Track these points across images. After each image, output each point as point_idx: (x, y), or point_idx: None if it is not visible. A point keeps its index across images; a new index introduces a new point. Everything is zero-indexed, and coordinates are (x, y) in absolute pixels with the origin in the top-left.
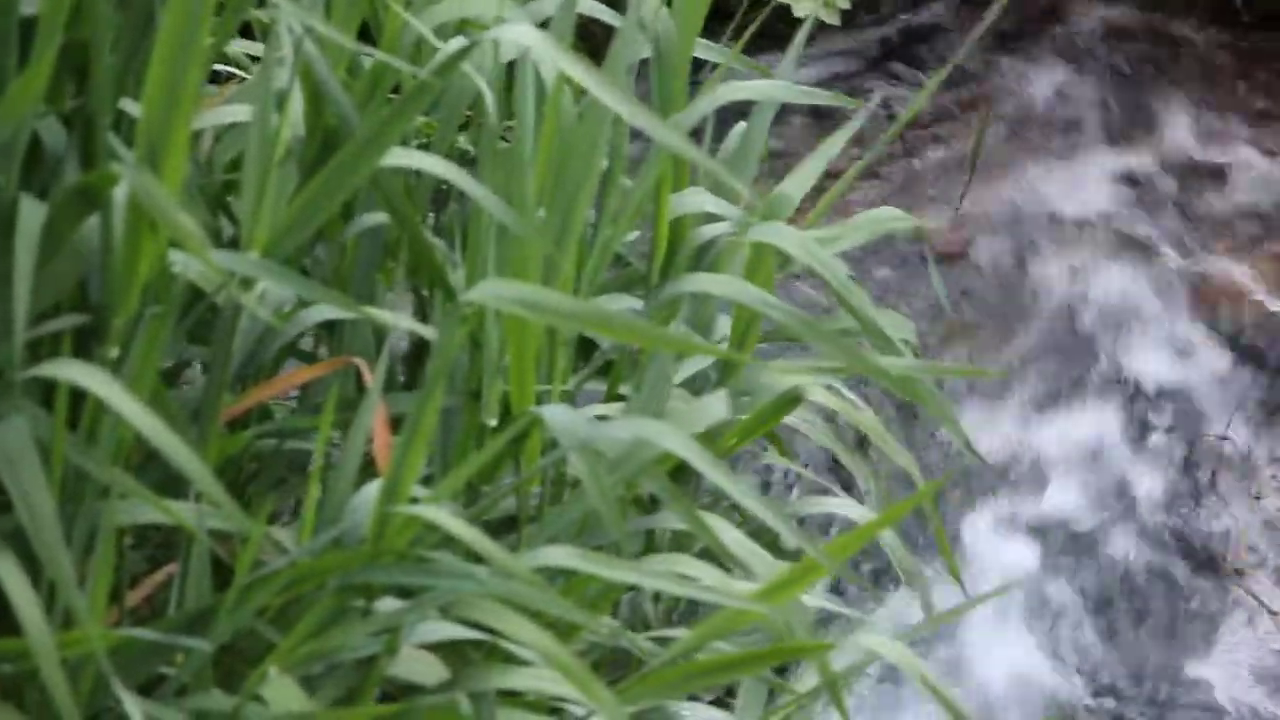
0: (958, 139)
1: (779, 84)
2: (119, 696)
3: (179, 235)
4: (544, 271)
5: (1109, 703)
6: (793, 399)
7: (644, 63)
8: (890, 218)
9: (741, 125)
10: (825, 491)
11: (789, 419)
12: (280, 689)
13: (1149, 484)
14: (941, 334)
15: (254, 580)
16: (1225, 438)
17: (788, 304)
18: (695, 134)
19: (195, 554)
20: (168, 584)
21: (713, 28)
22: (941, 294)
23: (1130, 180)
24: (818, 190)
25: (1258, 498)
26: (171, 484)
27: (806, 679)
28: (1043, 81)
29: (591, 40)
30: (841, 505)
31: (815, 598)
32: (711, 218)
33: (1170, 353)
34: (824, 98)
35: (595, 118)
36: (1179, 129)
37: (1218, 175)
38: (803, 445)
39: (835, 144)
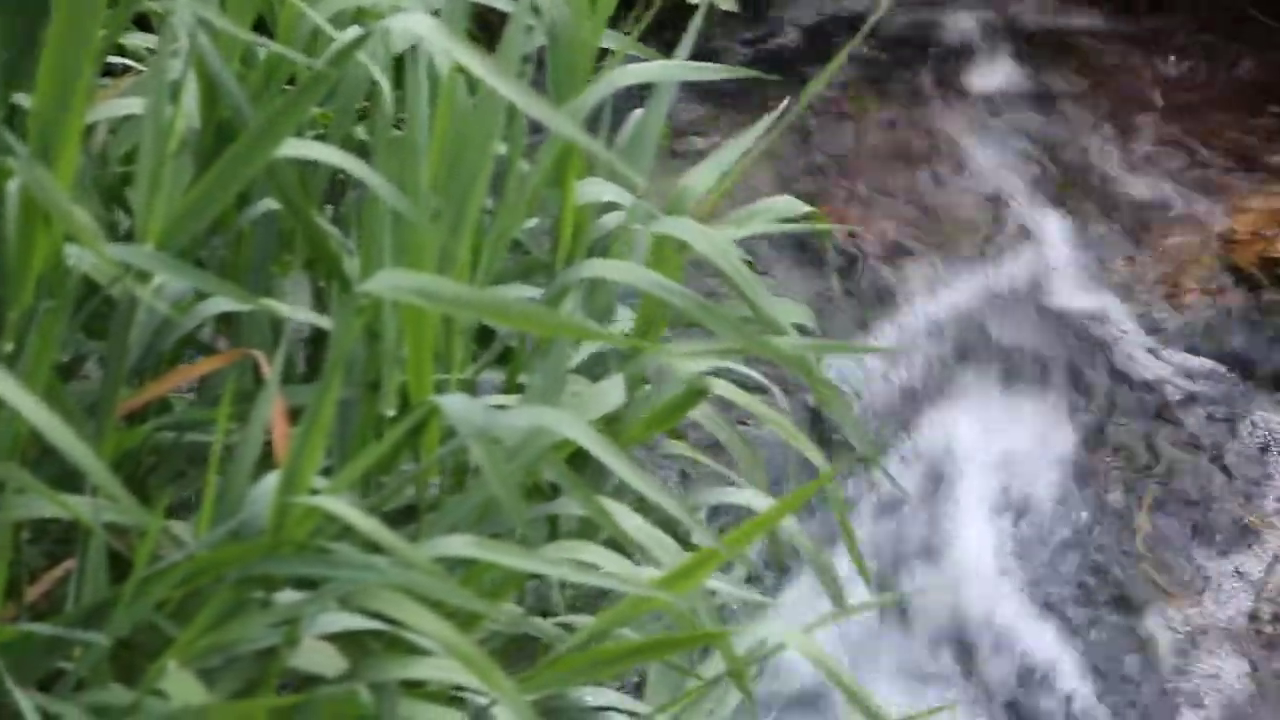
0: (855, 128)
1: (676, 64)
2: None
3: (72, 228)
4: (439, 260)
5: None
6: (698, 392)
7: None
8: (789, 206)
9: (638, 112)
10: (723, 479)
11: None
12: (179, 682)
13: (1047, 464)
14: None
15: (152, 574)
16: (1128, 418)
17: (689, 290)
18: (594, 121)
19: (92, 548)
20: (66, 579)
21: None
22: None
23: (1025, 168)
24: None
25: (1149, 468)
26: (69, 478)
27: (715, 666)
28: (935, 70)
29: (490, 30)
30: (744, 496)
31: (729, 585)
32: (612, 207)
33: (1060, 336)
34: (724, 73)
35: (489, 105)
36: (1074, 115)
37: (1111, 158)
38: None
39: (749, 139)
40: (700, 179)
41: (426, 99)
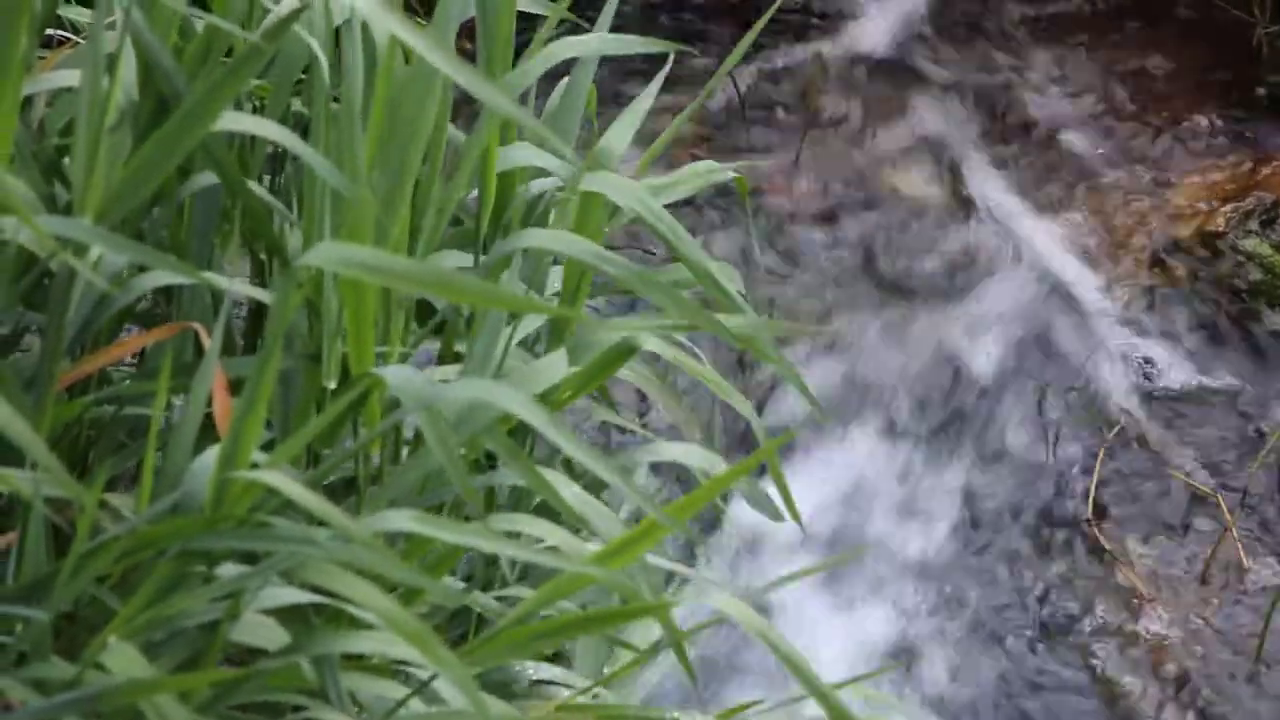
0: (795, 100)
1: (609, 37)
2: None
3: (7, 201)
4: (377, 232)
5: (953, 628)
6: (628, 350)
7: None
8: (714, 170)
9: (564, 82)
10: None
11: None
12: (121, 655)
13: (997, 439)
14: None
15: (92, 548)
16: (1074, 388)
17: (623, 257)
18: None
19: (32, 522)
20: (7, 553)
21: None
22: (755, 236)
23: (965, 135)
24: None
25: (1107, 448)
26: (9, 452)
27: (647, 634)
28: (870, 40)
29: (430, 3)
30: (685, 452)
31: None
32: (539, 172)
33: (1005, 305)
34: (652, 46)
35: (424, 78)
36: (1010, 83)
37: (1045, 127)
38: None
39: (651, 92)
40: (618, 136)
41: (362, 72)
